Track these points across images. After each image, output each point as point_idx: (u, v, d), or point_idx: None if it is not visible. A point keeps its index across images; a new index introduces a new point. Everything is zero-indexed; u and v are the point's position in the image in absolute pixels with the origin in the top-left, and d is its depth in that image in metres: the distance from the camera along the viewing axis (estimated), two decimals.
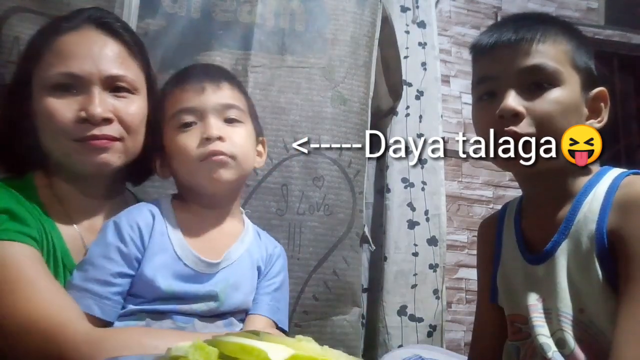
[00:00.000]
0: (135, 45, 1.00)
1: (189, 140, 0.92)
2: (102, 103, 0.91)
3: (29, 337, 0.78)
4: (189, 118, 0.93)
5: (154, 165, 0.99)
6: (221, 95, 0.95)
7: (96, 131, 0.91)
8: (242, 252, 0.97)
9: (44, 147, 0.93)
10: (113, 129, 0.92)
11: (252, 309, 0.96)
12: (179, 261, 0.90)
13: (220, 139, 0.91)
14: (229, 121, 0.94)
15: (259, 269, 0.99)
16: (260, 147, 1.03)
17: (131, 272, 0.87)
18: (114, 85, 0.94)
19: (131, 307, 0.87)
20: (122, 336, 0.80)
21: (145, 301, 0.88)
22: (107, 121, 0.92)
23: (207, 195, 0.95)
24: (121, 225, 0.89)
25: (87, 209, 0.97)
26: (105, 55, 0.94)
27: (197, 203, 0.96)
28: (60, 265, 0.89)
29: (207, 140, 0.91)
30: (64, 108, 0.90)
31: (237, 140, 0.93)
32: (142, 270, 0.88)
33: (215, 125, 0.92)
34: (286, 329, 1.01)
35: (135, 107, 0.96)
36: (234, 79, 1.02)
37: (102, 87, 0.92)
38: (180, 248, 0.91)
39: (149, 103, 1.00)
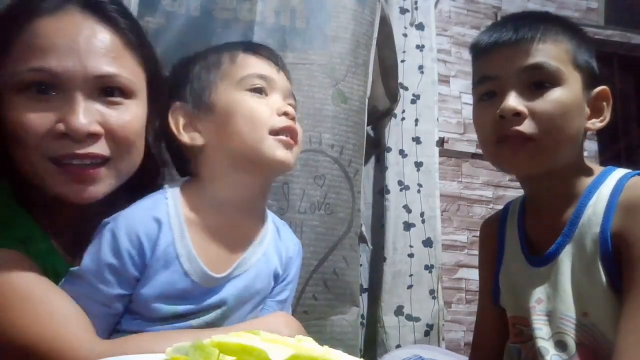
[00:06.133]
0: (133, 34, 0.78)
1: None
2: (86, 112, 0.71)
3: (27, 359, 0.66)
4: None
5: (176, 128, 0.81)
6: None
7: (78, 149, 0.71)
8: (259, 257, 0.86)
9: (15, 160, 0.74)
10: (100, 147, 0.73)
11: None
12: (185, 278, 0.77)
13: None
14: None
15: (276, 275, 0.89)
16: None
17: (128, 292, 0.76)
18: (103, 87, 0.74)
19: (125, 326, 0.77)
20: (129, 346, 0.70)
21: (140, 318, 0.78)
22: (92, 137, 0.72)
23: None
24: (119, 238, 0.74)
25: (72, 223, 0.80)
26: (93, 47, 0.73)
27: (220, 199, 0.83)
28: (50, 268, 0.76)
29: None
30: (37, 117, 0.70)
31: None
32: (140, 290, 0.76)
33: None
34: None
35: (130, 116, 0.76)
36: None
37: (88, 90, 0.72)
38: (189, 261, 0.78)
39: (153, 109, 0.81)
